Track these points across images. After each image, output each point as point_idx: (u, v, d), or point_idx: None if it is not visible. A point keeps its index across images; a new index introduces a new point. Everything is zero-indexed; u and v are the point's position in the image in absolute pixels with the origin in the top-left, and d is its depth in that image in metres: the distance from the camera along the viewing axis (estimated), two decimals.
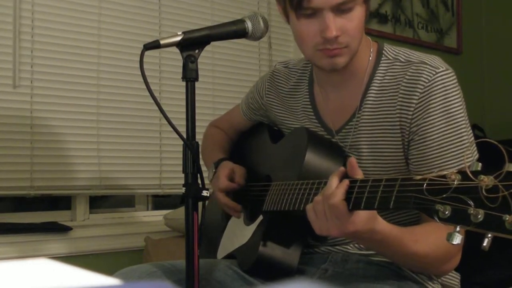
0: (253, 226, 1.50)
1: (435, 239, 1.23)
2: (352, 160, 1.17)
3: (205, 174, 1.30)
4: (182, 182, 1.26)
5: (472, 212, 0.87)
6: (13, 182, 2.15)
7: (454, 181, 0.90)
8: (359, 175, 1.15)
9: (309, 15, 1.30)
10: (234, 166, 1.62)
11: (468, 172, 0.88)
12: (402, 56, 1.39)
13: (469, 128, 1.35)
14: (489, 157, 0.99)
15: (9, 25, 2.14)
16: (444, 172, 0.93)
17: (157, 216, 2.53)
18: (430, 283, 1.41)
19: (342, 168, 1.18)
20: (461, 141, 1.31)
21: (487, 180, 0.85)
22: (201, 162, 1.28)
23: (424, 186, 0.95)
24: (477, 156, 1.33)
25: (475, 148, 1.35)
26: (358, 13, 1.31)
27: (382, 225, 1.19)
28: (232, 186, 1.59)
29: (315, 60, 1.38)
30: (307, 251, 1.48)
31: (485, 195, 0.85)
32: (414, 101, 1.32)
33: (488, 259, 2.52)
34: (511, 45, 3.98)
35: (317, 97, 1.51)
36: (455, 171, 0.91)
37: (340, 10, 1.29)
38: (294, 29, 1.37)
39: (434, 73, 1.32)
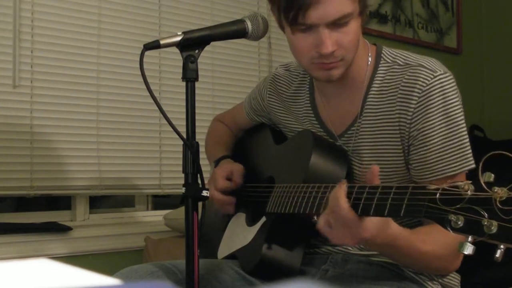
0: (256, 227, 1.50)
1: (441, 238, 1.23)
2: (375, 168, 1.15)
3: (206, 174, 1.30)
4: (182, 182, 1.26)
5: (485, 223, 0.87)
6: (13, 182, 2.15)
7: (467, 191, 0.90)
8: (376, 183, 1.14)
9: (304, 30, 1.30)
10: (232, 167, 1.62)
11: (482, 183, 0.88)
12: (401, 59, 1.39)
13: (467, 132, 1.35)
14: (490, 161, 0.99)
15: (9, 25, 2.14)
16: (458, 183, 0.93)
17: (157, 216, 2.53)
18: (430, 283, 1.41)
19: (344, 181, 1.17)
20: (462, 144, 1.31)
21: (501, 192, 0.86)
22: (201, 162, 1.27)
23: (437, 195, 0.95)
24: (473, 160, 1.33)
25: (471, 153, 1.34)
26: (353, 27, 1.30)
27: (394, 228, 1.19)
28: (229, 186, 1.59)
29: (311, 72, 1.38)
30: (308, 251, 1.48)
31: (499, 207, 0.86)
32: (412, 105, 1.32)
33: (488, 259, 2.52)
34: (511, 45, 3.98)
35: (318, 103, 1.51)
36: (468, 181, 0.92)
37: (335, 24, 1.28)
38: (289, 41, 1.37)
39: (432, 76, 1.31)
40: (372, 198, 1.09)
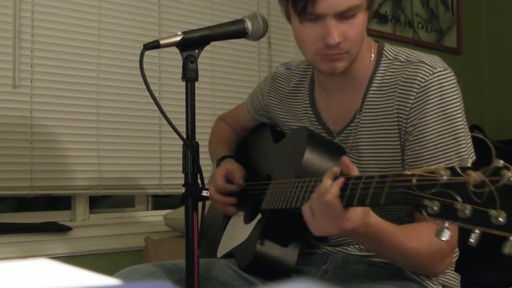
0: (252, 225, 1.51)
1: (428, 237, 1.23)
2: (344, 159, 1.16)
3: (206, 174, 1.30)
4: (182, 182, 1.26)
5: (459, 207, 0.87)
6: (13, 182, 2.15)
7: (443, 176, 0.90)
8: (355, 172, 1.14)
9: (312, 20, 1.30)
10: (232, 168, 1.62)
11: (457, 168, 0.88)
12: (402, 56, 1.39)
13: (467, 129, 1.34)
14: (489, 158, 0.99)
15: (9, 25, 2.14)
16: (434, 168, 0.92)
17: (157, 216, 2.54)
18: (430, 283, 1.41)
19: (336, 168, 1.17)
20: (457, 142, 1.31)
21: (474, 175, 0.85)
22: (201, 162, 1.27)
23: (413, 181, 0.95)
24: (474, 158, 1.33)
25: (472, 149, 1.34)
26: (360, 20, 1.31)
27: (375, 219, 1.19)
28: (229, 188, 1.59)
29: (315, 64, 1.38)
30: (308, 251, 1.48)
31: (472, 190, 0.85)
32: (411, 101, 1.32)
33: (488, 259, 2.52)
34: (511, 45, 3.98)
35: (318, 100, 1.51)
36: (443, 166, 0.91)
37: (343, 16, 1.29)
38: (295, 32, 1.37)
39: (431, 72, 1.31)
40: (355, 189, 1.09)
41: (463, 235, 0.98)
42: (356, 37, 1.32)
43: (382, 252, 1.33)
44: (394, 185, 1.01)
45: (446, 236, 0.90)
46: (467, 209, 0.85)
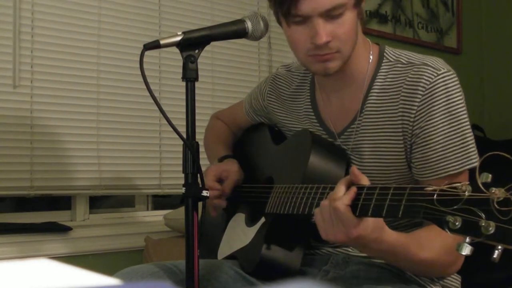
0: (255, 228, 1.50)
1: (440, 243, 1.23)
2: (354, 168, 1.17)
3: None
4: (182, 182, 1.26)
5: (483, 224, 0.87)
6: (13, 182, 2.15)
7: (464, 192, 0.90)
8: (365, 181, 1.15)
9: (299, 22, 1.31)
10: (230, 169, 1.60)
11: (480, 184, 0.88)
12: (404, 58, 1.39)
13: (471, 130, 1.35)
14: (490, 160, 0.99)
15: (9, 25, 2.14)
16: (456, 184, 0.93)
17: (157, 216, 2.53)
18: (431, 285, 1.41)
19: (349, 177, 1.18)
20: (465, 142, 1.31)
21: (498, 193, 0.86)
22: (201, 162, 1.27)
23: (435, 196, 0.95)
24: (477, 158, 1.33)
25: (476, 150, 1.34)
26: (348, 18, 1.31)
27: (389, 235, 1.19)
28: (217, 188, 1.56)
29: (308, 65, 1.38)
30: (308, 252, 1.48)
31: (496, 208, 0.86)
32: (416, 103, 1.32)
33: (489, 261, 2.51)
34: (511, 45, 3.98)
35: (319, 101, 1.51)
36: (466, 182, 0.91)
37: (329, 16, 1.29)
38: (286, 35, 1.38)
39: (435, 74, 1.31)
40: (370, 199, 1.10)
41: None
42: (345, 36, 1.32)
43: (395, 263, 1.33)
44: (413, 198, 1.01)
45: (467, 251, 0.90)
46: (491, 226, 0.86)
